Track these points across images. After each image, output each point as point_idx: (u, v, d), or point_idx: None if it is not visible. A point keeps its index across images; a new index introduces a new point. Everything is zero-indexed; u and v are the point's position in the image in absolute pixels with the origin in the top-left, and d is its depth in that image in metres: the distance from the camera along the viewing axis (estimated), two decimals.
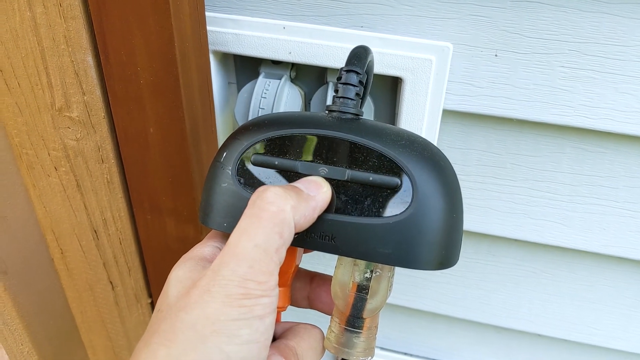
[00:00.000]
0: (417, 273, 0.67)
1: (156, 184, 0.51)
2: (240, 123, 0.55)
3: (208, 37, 0.51)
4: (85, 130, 0.49)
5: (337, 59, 0.51)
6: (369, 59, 0.41)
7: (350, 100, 0.39)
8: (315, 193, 0.35)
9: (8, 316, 0.48)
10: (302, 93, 0.56)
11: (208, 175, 0.40)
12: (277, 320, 0.42)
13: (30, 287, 0.50)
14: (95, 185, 0.52)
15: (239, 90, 0.58)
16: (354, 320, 0.39)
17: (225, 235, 0.40)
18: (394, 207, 0.36)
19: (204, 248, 0.38)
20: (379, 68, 0.50)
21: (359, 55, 0.40)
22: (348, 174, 0.36)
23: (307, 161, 0.37)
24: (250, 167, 0.38)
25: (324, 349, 0.40)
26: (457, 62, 0.51)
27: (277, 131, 0.38)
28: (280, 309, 0.41)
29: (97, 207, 0.54)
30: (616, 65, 0.48)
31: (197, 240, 0.54)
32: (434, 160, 0.37)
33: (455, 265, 0.65)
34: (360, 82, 0.39)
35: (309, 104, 0.56)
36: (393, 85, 0.54)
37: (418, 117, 0.53)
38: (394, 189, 0.36)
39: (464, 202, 0.59)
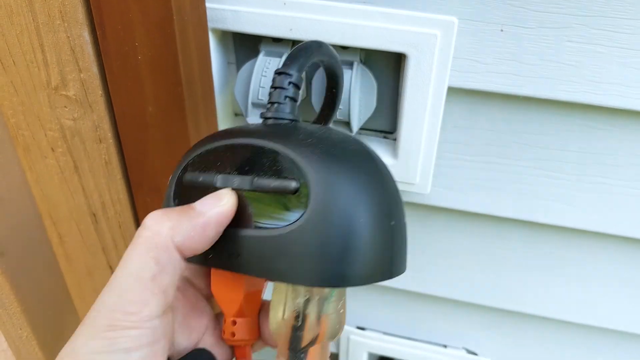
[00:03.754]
0: (419, 256, 0.66)
1: (155, 165, 0.50)
2: (241, 103, 0.54)
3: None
4: (82, 109, 0.48)
5: (339, 35, 0.50)
6: (313, 57, 0.38)
7: (280, 105, 0.36)
8: (207, 209, 0.33)
9: (6, 299, 0.47)
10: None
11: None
12: (245, 356, 0.40)
13: (29, 270, 0.50)
14: (93, 167, 0.51)
15: (238, 70, 0.56)
16: (295, 355, 0.36)
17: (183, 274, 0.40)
18: (291, 216, 0.32)
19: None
20: (381, 44, 0.49)
21: (295, 55, 0.37)
22: (254, 182, 0.33)
23: (225, 174, 0.35)
24: (184, 186, 0.37)
25: None
26: (462, 38, 0.50)
27: (206, 146, 0.36)
28: (245, 342, 0.39)
29: (95, 190, 0.53)
30: (624, 39, 0.47)
31: None
32: (340, 159, 0.33)
33: (459, 250, 0.65)
34: (293, 84, 0.37)
35: (311, 83, 0.55)
36: (396, 62, 0.53)
37: (422, 94, 0.51)
38: (293, 194, 0.32)
39: (471, 183, 0.58)
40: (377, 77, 0.54)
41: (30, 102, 0.48)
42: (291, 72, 0.37)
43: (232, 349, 0.41)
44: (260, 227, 0.33)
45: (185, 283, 0.41)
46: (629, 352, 0.69)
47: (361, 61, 0.53)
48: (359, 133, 0.59)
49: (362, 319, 0.76)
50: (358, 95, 0.53)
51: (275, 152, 0.33)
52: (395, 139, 0.57)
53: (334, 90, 0.44)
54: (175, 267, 0.32)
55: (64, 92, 0.47)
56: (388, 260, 0.33)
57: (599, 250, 0.61)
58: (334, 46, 0.52)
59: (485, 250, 0.64)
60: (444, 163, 0.58)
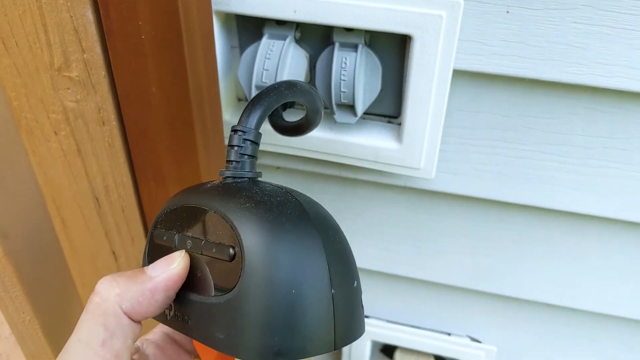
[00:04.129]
0: (423, 242, 0.66)
1: (159, 148, 0.49)
2: (244, 86, 0.54)
3: None
4: (85, 90, 0.47)
5: (344, 17, 0.49)
6: (272, 104, 0.37)
7: (237, 164, 0.36)
8: (157, 273, 0.33)
9: (9, 282, 0.47)
10: (307, 55, 0.55)
11: None
12: None
13: (32, 253, 0.49)
14: (96, 150, 0.51)
15: (241, 54, 0.56)
16: None
17: (164, 330, 0.41)
18: (229, 283, 0.31)
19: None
20: (386, 25, 0.49)
21: (252, 106, 0.36)
22: (200, 246, 0.33)
23: (182, 234, 0.35)
24: (153, 243, 0.37)
25: None
26: (468, 20, 0.49)
27: (173, 204, 0.36)
28: None
29: (99, 173, 0.53)
30: (630, 20, 0.47)
31: None
32: (274, 224, 0.31)
33: (463, 236, 0.64)
34: (249, 140, 0.36)
35: (315, 67, 0.55)
36: (401, 44, 0.53)
37: (428, 77, 0.51)
38: (230, 261, 0.31)
39: (476, 168, 0.58)
40: (382, 60, 0.54)
41: (33, 84, 0.48)
42: (247, 129, 0.36)
43: None
44: (204, 293, 0.33)
45: (166, 339, 0.41)
46: (633, 338, 0.68)
47: (366, 43, 0.53)
48: (362, 118, 0.58)
49: (366, 308, 0.76)
50: (362, 78, 0.53)
51: (218, 216, 0.33)
52: (399, 124, 0.57)
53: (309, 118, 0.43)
54: (126, 332, 0.32)
55: (67, 73, 0.47)
56: (328, 332, 0.32)
57: (607, 236, 0.60)
58: (338, 28, 0.52)
59: (490, 237, 0.64)
60: (449, 148, 0.58)
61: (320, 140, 0.57)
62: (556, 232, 0.62)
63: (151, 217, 0.55)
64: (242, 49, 0.57)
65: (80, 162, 0.52)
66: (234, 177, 0.36)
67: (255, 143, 0.36)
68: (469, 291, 0.69)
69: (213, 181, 0.37)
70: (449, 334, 0.74)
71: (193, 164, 0.50)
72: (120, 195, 0.54)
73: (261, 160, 0.64)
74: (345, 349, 0.79)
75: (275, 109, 0.52)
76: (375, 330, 0.75)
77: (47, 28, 0.45)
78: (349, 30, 0.52)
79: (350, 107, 0.54)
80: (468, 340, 0.73)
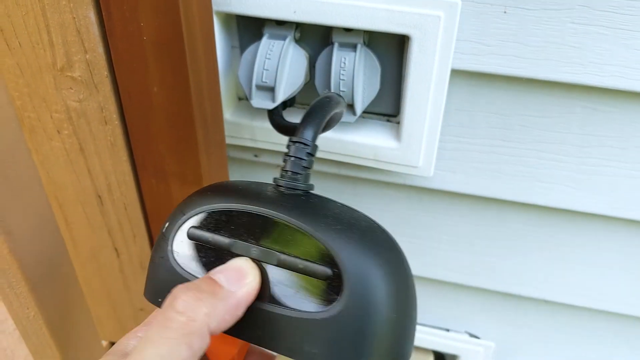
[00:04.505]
0: (422, 240, 0.67)
1: (160, 146, 0.50)
2: (245, 86, 0.54)
3: None
4: (87, 90, 0.48)
5: (342, 17, 0.50)
6: (328, 117, 0.38)
7: (297, 175, 0.36)
8: (236, 287, 0.32)
9: (13, 279, 0.48)
10: (307, 55, 0.55)
11: (153, 246, 0.38)
12: None
13: (36, 250, 0.50)
14: (98, 149, 0.52)
15: (242, 54, 0.57)
16: None
17: None
18: (323, 301, 0.33)
19: (130, 341, 0.36)
20: (385, 26, 0.49)
21: (312, 120, 0.37)
22: (279, 258, 0.33)
23: (241, 240, 0.34)
24: (187, 240, 0.36)
25: None
26: (465, 20, 0.50)
27: (217, 204, 0.35)
28: None
29: (101, 172, 0.53)
30: (626, 20, 0.47)
31: None
32: (372, 251, 0.33)
33: (462, 233, 0.65)
34: (310, 154, 0.37)
35: (314, 67, 0.55)
36: (400, 44, 0.53)
37: (426, 77, 0.52)
38: (325, 280, 0.32)
39: (474, 166, 0.59)
40: (380, 60, 0.54)
41: (36, 83, 0.49)
42: (308, 141, 0.37)
43: None
44: (283, 305, 0.33)
45: None
46: (630, 335, 0.69)
47: (365, 43, 0.53)
48: (361, 117, 0.59)
49: None
50: (361, 78, 0.53)
51: (303, 233, 0.33)
52: (398, 123, 0.58)
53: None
54: (201, 351, 0.31)
55: (70, 74, 0.47)
56: (407, 348, 0.35)
57: (602, 233, 0.61)
58: (337, 28, 0.52)
59: (487, 234, 0.64)
60: (447, 146, 0.58)
61: (320, 138, 0.57)
62: (554, 229, 0.62)
63: (154, 214, 0.56)
64: (243, 48, 0.57)
65: (82, 160, 0.53)
66: (293, 188, 0.36)
67: (313, 155, 0.37)
68: (467, 288, 0.70)
69: (260, 186, 0.37)
70: (448, 330, 0.74)
71: (194, 162, 0.50)
72: (123, 193, 0.54)
73: (261, 159, 0.64)
74: None
75: (276, 108, 0.53)
76: None
77: (50, 29, 0.45)
78: (348, 30, 0.53)
79: (350, 107, 0.55)
80: (466, 336, 0.74)
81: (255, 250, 0.34)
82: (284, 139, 0.59)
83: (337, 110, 0.41)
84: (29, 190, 0.49)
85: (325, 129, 0.45)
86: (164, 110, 0.48)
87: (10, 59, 0.48)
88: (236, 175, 0.67)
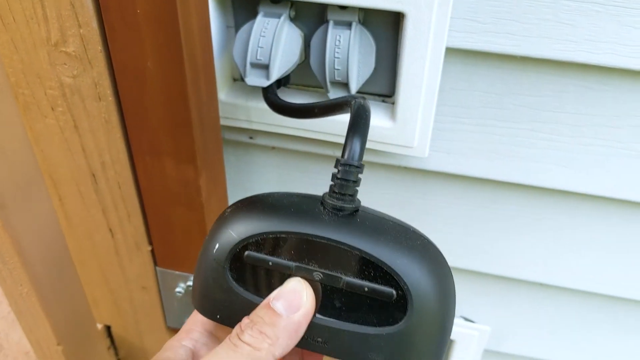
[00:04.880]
0: (417, 223, 0.67)
1: (154, 123, 0.50)
2: (239, 64, 0.54)
3: None
4: (81, 66, 0.48)
5: None
6: (369, 124, 0.39)
7: (348, 196, 0.37)
8: (294, 312, 0.35)
9: (6, 254, 0.48)
10: (302, 34, 0.55)
11: (199, 263, 0.39)
12: None
13: (30, 226, 0.50)
14: (92, 126, 0.52)
15: (237, 33, 0.57)
16: None
17: (208, 327, 0.41)
18: (389, 318, 0.36)
19: (178, 350, 0.39)
20: (379, 3, 0.49)
21: (357, 139, 0.38)
22: (343, 281, 0.36)
23: (302, 264, 0.36)
24: (243, 263, 0.37)
25: None
26: None
27: (272, 228, 0.37)
28: None
29: (95, 149, 0.53)
30: None
31: (195, 182, 0.54)
32: (431, 272, 0.36)
33: (456, 216, 0.65)
34: (360, 174, 0.38)
35: (309, 45, 0.55)
36: (395, 23, 0.54)
37: (420, 55, 0.52)
38: (389, 300, 0.35)
39: (469, 146, 0.59)
40: (375, 38, 0.54)
41: (30, 59, 0.49)
42: (356, 162, 0.37)
43: None
44: (352, 322, 0.36)
45: (209, 337, 0.42)
46: (625, 317, 0.69)
47: (360, 21, 0.53)
48: None
49: None
50: (357, 56, 0.53)
51: (366, 257, 0.35)
52: (393, 103, 0.58)
53: None
54: None
55: (64, 49, 0.47)
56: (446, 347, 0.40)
57: (596, 214, 0.61)
58: (332, 6, 0.52)
59: (482, 216, 0.64)
60: (442, 127, 0.58)
61: (316, 119, 0.58)
62: (548, 211, 0.62)
63: (148, 193, 0.56)
64: (238, 28, 0.57)
65: (77, 138, 0.53)
66: (344, 209, 0.37)
67: (361, 173, 0.38)
68: (462, 271, 0.70)
69: (303, 200, 0.39)
70: None
71: (188, 140, 0.50)
72: (117, 172, 0.54)
73: (256, 141, 0.64)
74: None
75: (271, 86, 0.53)
76: None
77: (44, 2, 0.45)
78: (343, 8, 0.53)
79: (344, 85, 0.55)
80: (462, 321, 0.74)
81: (319, 273, 0.36)
82: (280, 121, 0.59)
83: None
84: (24, 165, 0.49)
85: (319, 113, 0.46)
86: (158, 86, 0.48)
87: (5, 35, 0.48)
88: (231, 158, 0.67)
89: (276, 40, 0.52)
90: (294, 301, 0.35)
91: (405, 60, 0.52)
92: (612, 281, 0.65)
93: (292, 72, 0.57)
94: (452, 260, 0.69)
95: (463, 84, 0.56)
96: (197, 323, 0.41)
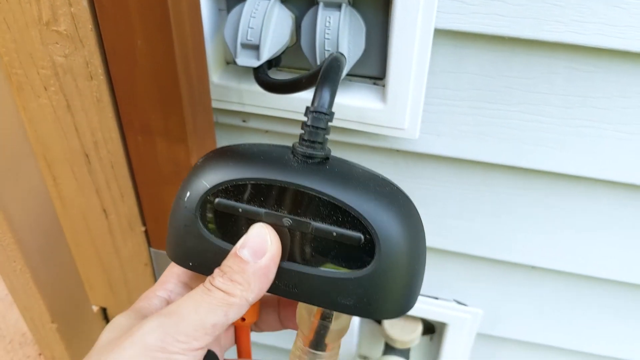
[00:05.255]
0: None
1: (145, 102, 0.51)
2: (230, 45, 0.55)
3: None
4: (73, 45, 0.49)
5: None
6: (341, 77, 0.40)
7: (317, 144, 0.38)
8: (261, 257, 0.36)
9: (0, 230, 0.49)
10: (293, 16, 0.56)
11: (172, 212, 0.40)
12: (247, 334, 0.46)
13: (23, 201, 0.51)
14: (85, 105, 0.52)
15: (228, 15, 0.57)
16: (317, 344, 0.41)
17: (182, 278, 0.43)
18: (357, 262, 0.36)
19: (152, 300, 0.41)
20: None
21: (328, 86, 0.39)
22: (312, 227, 0.36)
23: (272, 210, 0.37)
24: (214, 211, 0.38)
25: None
26: None
27: (241, 175, 0.37)
28: (248, 324, 0.44)
29: (88, 129, 0.54)
30: None
31: (187, 163, 0.54)
32: (399, 216, 0.37)
33: (448, 199, 0.65)
34: (328, 121, 0.38)
35: (300, 27, 0.56)
36: (385, 4, 0.54)
37: (410, 36, 0.52)
38: (357, 244, 0.36)
39: (459, 129, 0.59)
40: (365, 20, 0.55)
41: (22, 39, 0.49)
42: (326, 109, 0.38)
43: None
44: (317, 267, 0.37)
45: (184, 288, 0.43)
46: (618, 300, 0.69)
47: (349, 3, 0.54)
48: (348, 79, 0.59)
49: None
50: (346, 38, 0.54)
51: (335, 202, 0.36)
52: (384, 85, 0.58)
53: None
54: (237, 319, 0.36)
55: (55, 28, 0.48)
56: (419, 291, 0.40)
57: (588, 196, 0.61)
58: None
59: (475, 199, 0.65)
60: (433, 109, 0.59)
61: (307, 101, 0.58)
62: (540, 193, 0.63)
63: (140, 173, 0.57)
64: (230, 11, 0.58)
65: (69, 118, 0.53)
66: (314, 157, 0.38)
67: (331, 121, 0.39)
68: (455, 254, 0.70)
69: (274, 150, 0.39)
70: (436, 298, 0.75)
71: (178, 117, 0.51)
72: (109, 151, 0.55)
73: (249, 124, 0.65)
74: None
75: (262, 66, 0.54)
76: None
77: None
78: None
79: None
80: (454, 304, 0.74)
81: (288, 219, 0.37)
82: (273, 103, 0.60)
83: (345, 71, 0.42)
84: (15, 143, 0.49)
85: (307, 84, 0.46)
86: (149, 64, 0.48)
87: None
88: (224, 142, 0.68)
89: (266, 21, 0.53)
90: (259, 247, 0.36)
91: (395, 41, 0.53)
92: (604, 263, 0.66)
93: (283, 54, 0.57)
94: (443, 243, 0.69)
95: (453, 66, 0.56)
96: (172, 275, 0.42)
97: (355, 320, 0.80)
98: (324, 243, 0.36)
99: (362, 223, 0.35)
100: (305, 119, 0.38)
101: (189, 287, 0.43)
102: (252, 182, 0.37)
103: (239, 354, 0.47)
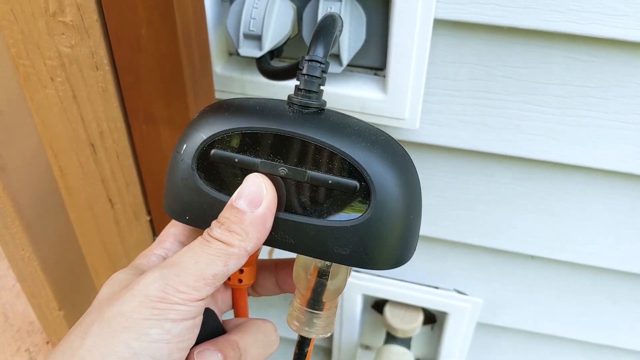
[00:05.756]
0: None
1: (150, 91, 0.52)
2: (232, 35, 0.56)
3: None
4: (79, 35, 0.49)
5: None
6: (335, 34, 0.40)
7: (312, 93, 0.38)
8: (258, 207, 0.36)
9: (8, 217, 0.49)
10: (294, 7, 0.57)
11: (169, 166, 0.40)
12: (244, 297, 0.45)
13: (31, 189, 0.52)
14: (90, 95, 0.53)
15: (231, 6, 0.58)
16: (314, 303, 0.41)
17: (180, 238, 0.43)
18: (352, 211, 0.36)
19: (150, 257, 0.41)
20: None
21: (323, 38, 0.39)
22: (308, 175, 0.36)
23: (267, 160, 0.37)
24: (210, 162, 0.38)
25: (274, 341, 0.43)
26: None
27: (237, 125, 0.37)
28: (245, 286, 0.44)
29: (94, 119, 0.55)
30: None
31: None
32: (394, 164, 0.37)
33: (448, 189, 0.66)
34: (323, 71, 0.38)
35: (301, 18, 0.56)
36: None
37: (410, 26, 0.53)
38: (353, 192, 0.36)
39: (459, 119, 0.60)
40: (366, 10, 0.56)
41: (29, 29, 0.50)
42: (321, 58, 0.38)
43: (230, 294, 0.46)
44: (317, 216, 0.37)
45: (181, 246, 0.43)
46: (615, 289, 0.70)
47: None
48: (349, 70, 0.60)
49: None
50: (347, 28, 0.55)
51: (330, 150, 0.36)
52: (385, 76, 0.59)
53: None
54: (237, 269, 0.36)
55: (62, 18, 0.49)
56: (416, 241, 0.40)
57: (586, 185, 0.62)
58: None
59: (474, 189, 0.66)
60: (433, 99, 0.60)
61: None
62: (539, 183, 0.63)
63: (145, 163, 0.58)
64: (232, 2, 0.59)
65: (76, 108, 0.54)
66: (309, 106, 0.38)
67: (325, 73, 0.39)
68: (455, 244, 0.71)
69: (277, 105, 0.39)
70: (437, 288, 0.76)
71: (182, 106, 0.52)
72: (115, 141, 0.56)
73: None
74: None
75: (264, 56, 0.54)
76: (366, 284, 0.77)
77: None
78: None
79: (337, 57, 0.56)
80: (455, 293, 0.75)
81: (283, 168, 0.37)
82: (276, 94, 0.60)
83: (340, 28, 0.42)
84: (23, 127, 0.50)
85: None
86: (152, 53, 0.49)
87: (5, 5, 0.49)
88: None
89: (268, 12, 0.54)
90: (255, 196, 0.36)
91: (395, 32, 0.54)
92: (603, 252, 0.66)
93: (285, 45, 0.58)
94: (444, 233, 0.70)
95: (453, 56, 0.57)
96: (169, 235, 0.43)
97: (357, 309, 0.81)
98: (320, 192, 0.37)
99: (358, 170, 0.36)
100: (300, 68, 0.39)
101: (185, 245, 0.43)
102: (247, 131, 0.37)
103: (237, 316, 0.47)
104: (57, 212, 0.56)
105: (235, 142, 0.38)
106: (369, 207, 0.36)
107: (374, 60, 0.60)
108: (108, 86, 0.52)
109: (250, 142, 0.37)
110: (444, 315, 0.78)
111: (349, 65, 0.59)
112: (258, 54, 0.54)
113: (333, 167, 0.36)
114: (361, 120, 0.39)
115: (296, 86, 0.39)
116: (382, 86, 0.59)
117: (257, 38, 0.54)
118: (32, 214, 0.52)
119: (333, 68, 0.56)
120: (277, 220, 0.37)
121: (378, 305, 0.84)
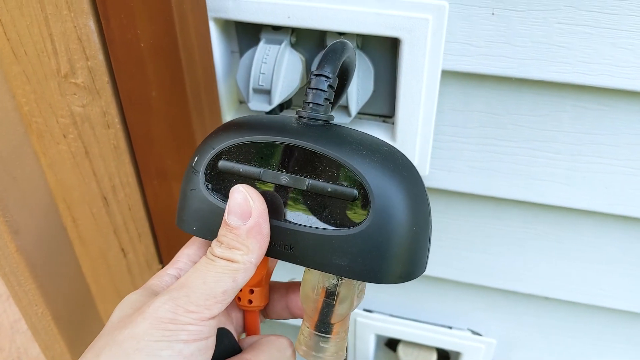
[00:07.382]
0: None
1: (161, 148, 0.52)
2: (242, 89, 0.56)
3: (208, 3, 0.52)
4: (90, 96, 0.50)
5: (335, 22, 0.51)
6: (344, 58, 0.41)
7: (319, 106, 0.39)
8: (249, 218, 0.36)
9: (22, 276, 0.50)
10: (303, 59, 0.57)
11: (183, 179, 0.41)
12: (256, 320, 0.45)
13: (43, 249, 0.52)
14: (102, 152, 0.54)
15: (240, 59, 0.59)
16: (323, 325, 0.41)
17: (193, 258, 0.43)
18: (351, 219, 0.36)
19: (163, 277, 0.42)
20: (376, 29, 0.51)
21: (331, 57, 0.40)
22: (308, 183, 0.37)
23: (270, 169, 0.38)
24: (218, 173, 0.39)
25: (289, 357, 0.42)
26: (455, 22, 0.51)
27: (244, 137, 0.38)
28: (256, 307, 0.44)
29: (106, 174, 0.55)
30: (612, 20, 0.48)
31: None
32: (394, 172, 0.37)
33: (460, 232, 0.66)
34: (330, 86, 0.39)
35: (310, 69, 0.57)
36: (393, 47, 0.55)
37: (417, 78, 0.53)
38: (352, 201, 0.36)
39: (469, 165, 0.60)
40: (374, 62, 0.56)
41: (42, 90, 0.51)
42: (329, 74, 0.39)
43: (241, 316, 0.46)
44: (316, 225, 0.37)
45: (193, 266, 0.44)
46: (630, 330, 0.69)
47: (358, 47, 0.55)
48: (358, 118, 0.60)
49: (369, 302, 0.78)
50: (355, 80, 0.55)
51: (330, 159, 0.36)
52: (393, 123, 0.59)
53: (344, 81, 0.47)
54: (246, 281, 0.37)
55: (73, 80, 0.50)
56: (425, 259, 0.39)
57: (599, 230, 0.62)
58: (331, 32, 0.54)
59: (487, 232, 0.65)
60: (442, 145, 0.60)
61: None
62: (551, 226, 0.63)
63: (157, 214, 0.58)
64: (242, 53, 0.59)
65: (88, 163, 0.55)
66: (315, 119, 0.39)
67: (333, 88, 0.40)
68: (468, 285, 0.71)
69: (284, 120, 0.40)
70: (450, 328, 0.75)
71: None
72: (127, 194, 0.57)
73: None
74: (350, 342, 0.81)
75: (273, 110, 0.55)
76: (379, 324, 0.77)
77: (53, 37, 0.47)
78: (341, 34, 0.54)
79: (345, 108, 0.56)
80: (469, 334, 0.75)
81: (285, 177, 0.37)
82: None
83: (349, 54, 0.43)
84: (36, 192, 0.51)
85: (345, 76, 0.47)
86: (163, 113, 0.50)
87: (17, 67, 0.50)
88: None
89: (277, 67, 0.54)
90: (243, 208, 0.36)
91: (403, 83, 0.54)
92: (616, 295, 0.66)
93: (293, 95, 0.58)
94: (458, 275, 0.70)
95: (461, 105, 0.57)
96: (183, 255, 0.43)
97: (370, 349, 0.81)
98: (320, 200, 0.37)
99: (356, 178, 0.36)
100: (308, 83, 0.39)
101: None
102: (252, 142, 0.38)
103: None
104: (69, 266, 0.57)
105: (241, 153, 0.39)
106: (367, 216, 0.36)
107: (382, 108, 0.60)
108: (120, 143, 0.53)
109: (255, 152, 0.38)
110: (457, 355, 0.77)
111: (358, 112, 0.59)
112: (267, 108, 0.55)
113: (333, 175, 0.36)
114: (369, 134, 0.39)
115: (304, 100, 0.39)
116: (391, 133, 0.59)
117: (267, 92, 0.55)
118: (45, 271, 0.52)
119: (341, 119, 0.57)
120: (276, 229, 0.38)
121: (391, 343, 0.83)
